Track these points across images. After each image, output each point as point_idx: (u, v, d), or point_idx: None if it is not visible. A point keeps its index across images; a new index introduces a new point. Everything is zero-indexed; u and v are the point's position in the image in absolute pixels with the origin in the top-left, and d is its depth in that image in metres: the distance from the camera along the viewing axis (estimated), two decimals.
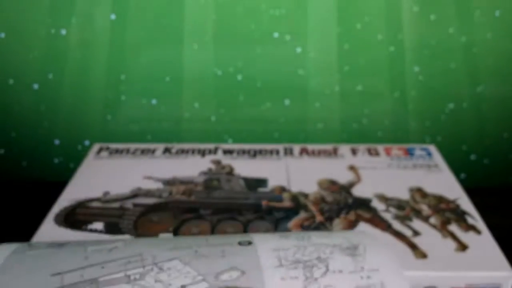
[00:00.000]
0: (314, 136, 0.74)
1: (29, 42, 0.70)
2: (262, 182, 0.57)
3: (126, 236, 0.48)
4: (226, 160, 0.61)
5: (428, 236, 0.48)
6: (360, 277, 0.33)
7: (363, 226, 0.50)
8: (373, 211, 0.52)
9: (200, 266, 0.34)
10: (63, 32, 0.69)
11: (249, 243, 0.37)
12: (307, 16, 0.69)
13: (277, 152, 0.63)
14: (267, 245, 0.36)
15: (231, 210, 0.52)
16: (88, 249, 0.37)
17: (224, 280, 0.33)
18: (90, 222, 0.51)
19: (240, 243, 0.36)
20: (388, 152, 0.63)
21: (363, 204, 0.53)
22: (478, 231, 0.49)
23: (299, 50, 0.70)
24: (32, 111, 0.73)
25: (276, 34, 0.70)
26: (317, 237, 0.37)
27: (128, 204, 0.53)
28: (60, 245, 0.38)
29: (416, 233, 0.49)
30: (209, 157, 0.62)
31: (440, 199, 0.54)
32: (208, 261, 0.34)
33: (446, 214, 0.51)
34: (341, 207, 0.52)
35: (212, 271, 0.33)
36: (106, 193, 0.55)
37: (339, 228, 0.49)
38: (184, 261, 0.34)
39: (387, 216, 0.51)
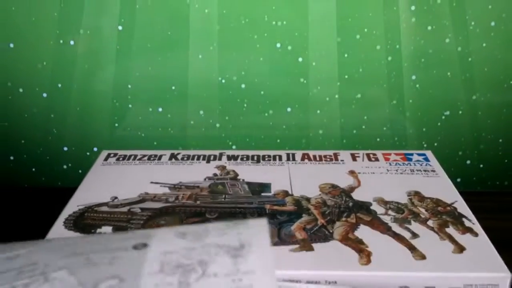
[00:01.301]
0: (315, 142, 0.75)
1: (38, 52, 0.71)
2: (265, 186, 0.58)
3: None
4: (230, 166, 0.62)
5: (427, 238, 0.49)
6: (232, 280, 0.32)
7: (363, 229, 0.50)
8: (373, 214, 0.53)
9: (85, 275, 0.32)
10: (72, 42, 0.71)
11: (144, 245, 0.35)
12: (308, 27, 0.70)
13: (280, 157, 0.64)
14: (159, 248, 0.35)
15: (235, 214, 0.53)
16: None
17: None
18: (99, 226, 0.51)
19: (135, 247, 0.35)
20: (386, 157, 0.64)
21: (363, 207, 0.54)
22: (475, 233, 0.50)
23: (300, 59, 0.72)
24: (42, 119, 0.74)
25: (278, 44, 0.71)
26: (213, 236, 0.36)
27: (136, 208, 0.54)
28: None
29: (414, 235, 0.49)
30: (214, 163, 0.63)
31: (437, 202, 0.55)
32: (95, 269, 0.33)
33: (444, 217, 0.52)
34: (342, 211, 0.53)
35: (92, 281, 0.32)
36: (114, 198, 0.56)
37: (340, 230, 0.50)
38: (72, 271, 0.33)
39: (387, 219, 0.52)
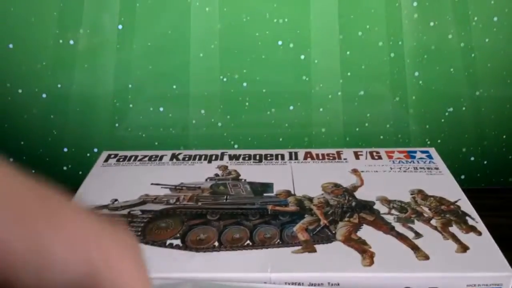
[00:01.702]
0: (318, 140, 0.75)
1: (38, 53, 0.71)
2: (267, 186, 0.58)
3: None
4: (232, 166, 0.62)
5: (430, 237, 0.49)
6: None
7: (366, 229, 0.50)
8: (376, 213, 0.53)
9: None
10: (71, 42, 0.70)
11: None
12: (310, 24, 0.70)
13: (283, 156, 0.64)
14: None
15: (237, 215, 0.53)
16: None
17: None
18: None
19: None
20: (390, 155, 0.64)
21: (366, 207, 0.54)
22: (478, 232, 0.50)
23: (302, 56, 0.71)
24: (41, 120, 0.74)
25: (280, 42, 0.71)
26: None
27: (136, 211, 0.53)
28: None
29: (418, 234, 0.49)
30: (215, 163, 0.63)
31: (441, 201, 0.55)
32: None
33: (447, 216, 0.52)
34: (345, 210, 0.53)
35: None
36: (114, 200, 0.55)
37: (343, 230, 0.50)
38: None
39: (390, 219, 0.52)
